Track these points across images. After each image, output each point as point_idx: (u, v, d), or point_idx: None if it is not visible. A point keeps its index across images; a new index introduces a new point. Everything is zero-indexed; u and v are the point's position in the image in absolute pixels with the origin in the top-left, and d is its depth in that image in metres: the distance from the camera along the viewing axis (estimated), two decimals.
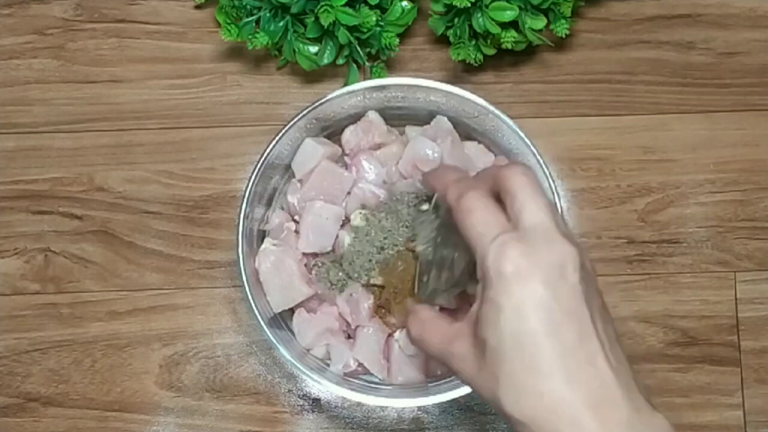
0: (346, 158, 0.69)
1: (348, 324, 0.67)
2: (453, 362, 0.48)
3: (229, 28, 0.69)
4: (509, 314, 0.44)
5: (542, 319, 0.43)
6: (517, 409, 0.43)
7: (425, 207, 0.63)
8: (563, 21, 0.69)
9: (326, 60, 0.72)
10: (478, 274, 0.46)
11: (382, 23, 0.71)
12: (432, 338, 0.50)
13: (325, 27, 0.68)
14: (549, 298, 0.44)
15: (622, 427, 0.42)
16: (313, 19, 0.69)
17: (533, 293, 0.44)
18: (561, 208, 0.64)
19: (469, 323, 0.48)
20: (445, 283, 0.57)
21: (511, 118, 0.65)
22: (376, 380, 0.67)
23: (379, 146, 0.68)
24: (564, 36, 0.70)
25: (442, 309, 0.62)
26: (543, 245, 0.45)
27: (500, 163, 0.68)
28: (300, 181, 0.68)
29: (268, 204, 0.69)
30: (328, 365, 0.67)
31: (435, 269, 0.57)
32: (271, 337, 0.63)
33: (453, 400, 0.64)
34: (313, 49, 0.72)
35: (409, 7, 0.71)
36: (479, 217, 0.47)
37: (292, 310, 0.67)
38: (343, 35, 0.69)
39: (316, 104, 0.65)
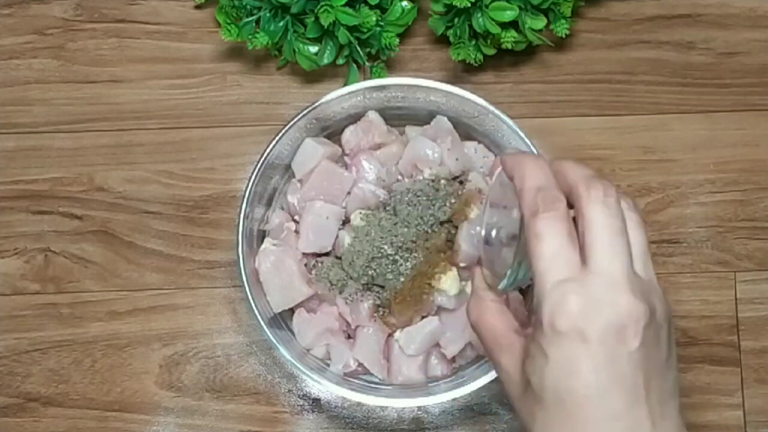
0: (346, 158, 0.69)
1: (348, 324, 0.67)
2: (497, 370, 0.47)
3: (229, 28, 0.69)
4: (555, 368, 0.42)
5: (589, 383, 0.41)
6: None
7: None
8: (563, 21, 0.69)
9: (326, 60, 0.72)
10: (535, 303, 0.43)
11: (382, 23, 0.71)
12: (485, 333, 0.48)
13: (325, 27, 0.68)
14: (600, 363, 0.41)
15: None
16: (313, 19, 0.69)
17: (584, 355, 0.41)
18: None
19: (521, 345, 0.46)
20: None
21: (511, 118, 0.65)
22: (376, 380, 0.67)
23: (379, 146, 0.68)
24: (564, 36, 0.70)
25: None
26: (607, 300, 0.41)
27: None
28: (300, 181, 0.68)
29: (268, 204, 0.69)
30: (328, 365, 0.67)
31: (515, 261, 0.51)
32: (271, 337, 0.63)
33: (453, 400, 0.64)
34: (313, 49, 0.72)
35: (409, 7, 0.71)
36: (548, 250, 0.42)
37: (292, 310, 0.67)
38: (343, 35, 0.69)
39: (316, 104, 0.65)
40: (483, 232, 0.54)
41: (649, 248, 0.45)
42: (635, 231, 0.44)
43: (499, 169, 0.49)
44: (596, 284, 0.41)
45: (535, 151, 0.64)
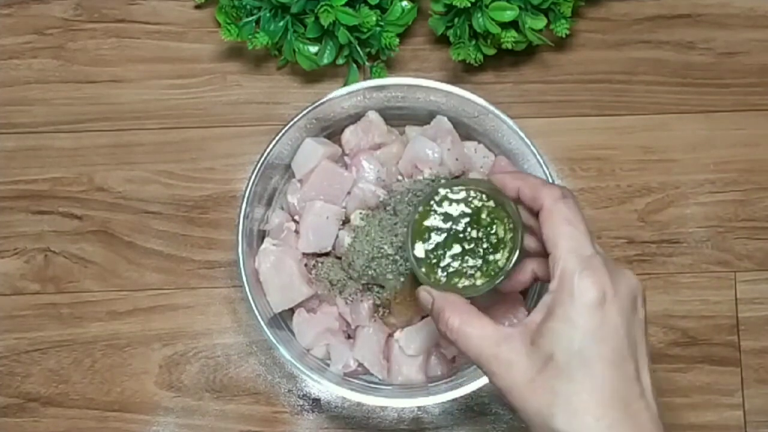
0: (346, 158, 0.69)
1: (348, 324, 0.67)
2: (494, 365, 0.47)
3: (229, 28, 0.69)
4: (586, 336, 0.45)
5: (614, 348, 0.45)
6: (569, 429, 0.44)
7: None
8: (563, 21, 0.69)
9: (326, 60, 0.72)
10: (552, 286, 0.47)
11: (382, 23, 0.71)
12: (473, 334, 0.48)
13: (325, 27, 0.68)
14: (623, 329, 0.45)
15: None
16: (313, 19, 0.69)
17: (612, 321, 0.45)
18: None
19: (524, 330, 0.47)
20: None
21: (511, 118, 0.65)
22: (376, 380, 0.67)
23: (379, 146, 0.68)
24: (564, 36, 0.70)
25: None
26: (620, 275, 0.46)
27: (500, 163, 0.68)
28: (300, 181, 0.68)
29: (268, 204, 0.69)
30: (328, 365, 0.67)
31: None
32: (271, 337, 0.63)
33: (453, 400, 0.64)
34: (313, 49, 0.72)
35: (409, 7, 0.71)
36: (575, 230, 0.47)
37: (292, 310, 0.67)
38: (343, 35, 0.69)
39: (316, 104, 0.65)
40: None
41: None
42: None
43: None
44: (608, 261, 0.47)
45: (535, 151, 0.64)
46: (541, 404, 0.45)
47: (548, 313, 0.46)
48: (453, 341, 0.49)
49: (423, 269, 0.54)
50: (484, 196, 0.54)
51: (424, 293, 0.52)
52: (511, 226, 0.53)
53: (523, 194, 0.51)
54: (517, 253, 0.52)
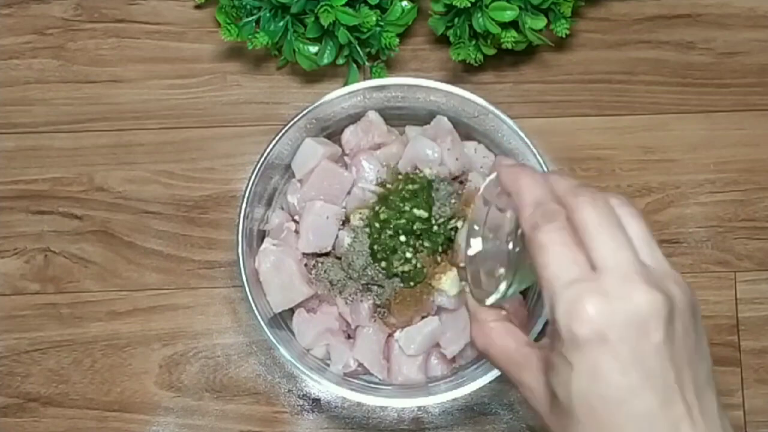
0: (346, 158, 0.69)
1: (348, 324, 0.67)
2: (520, 388, 0.45)
3: (229, 28, 0.69)
4: (581, 376, 0.40)
5: (618, 385, 0.39)
6: None
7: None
8: (563, 21, 0.69)
9: (326, 60, 0.72)
10: (549, 318, 0.41)
11: (382, 23, 0.70)
12: (499, 356, 0.46)
13: (325, 27, 0.68)
14: (627, 362, 0.39)
15: None
16: (313, 19, 0.69)
17: (609, 356, 0.39)
18: None
19: (540, 355, 0.44)
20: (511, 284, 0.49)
21: (511, 118, 0.65)
22: (376, 380, 0.67)
23: (379, 146, 0.68)
24: (564, 36, 0.70)
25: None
26: (621, 295, 0.39)
27: (503, 162, 0.67)
28: (300, 181, 0.68)
29: (268, 204, 0.69)
30: (328, 365, 0.67)
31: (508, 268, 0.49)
32: (271, 337, 0.63)
33: (453, 400, 0.64)
34: (313, 49, 0.72)
35: (409, 7, 0.71)
36: (553, 257, 0.41)
37: (292, 310, 0.67)
38: (343, 35, 0.69)
39: (316, 104, 0.65)
40: (467, 243, 0.51)
41: (653, 236, 0.43)
42: (632, 222, 0.43)
43: (494, 174, 0.49)
44: (607, 282, 0.40)
45: (535, 151, 0.64)
46: None
47: (550, 343, 0.42)
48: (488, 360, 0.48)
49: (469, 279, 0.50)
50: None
51: (465, 301, 0.50)
52: None
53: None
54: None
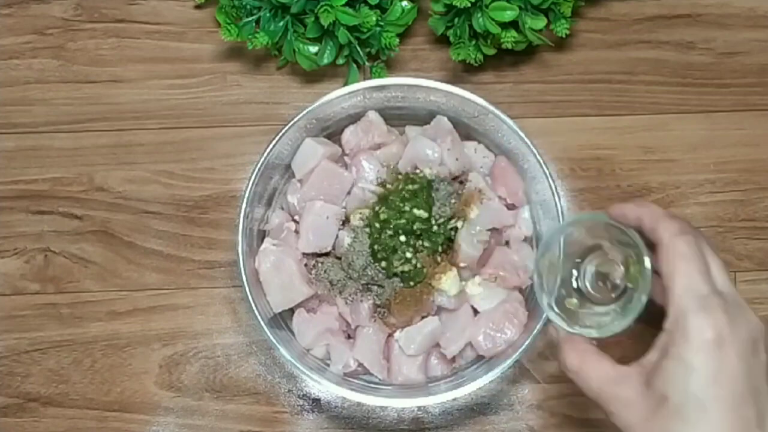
0: (346, 158, 0.69)
1: (348, 324, 0.67)
2: (612, 404, 0.48)
3: (229, 28, 0.69)
4: (703, 377, 0.44)
5: (732, 392, 0.44)
6: None
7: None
8: (563, 21, 0.69)
9: (326, 60, 0.72)
10: (667, 324, 0.46)
11: (382, 23, 0.70)
12: (591, 375, 0.49)
13: (325, 27, 0.68)
14: (741, 372, 0.45)
15: None
16: (313, 19, 0.69)
17: (729, 364, 0.45)
18: (561, 207, 0.64)
19: (641, 370, 0.48)
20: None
21: (511, 118, 0.65)
22: (376, 380, 0.67)
23: (379, 146, 0.68)
24: (564, 36, 0.70)
25: None
26: (739, 316, 0.46)
27: (500, 163, 0.68)
28: (300, 181, 0.68)
29: (268, 204, 0.69)
30: (328, 365, 0.67)
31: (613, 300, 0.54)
32: (271, 337, 0.63)
33: (453, 400, 0.64)
34: (313, 49, 0.72)
35: (409, 7, 0.71)
36: (691, 268, 0.46)
37: (292, 310, 0.67)
38: (343, 35, 0.69)
39: (316, 104, 0.65)
40: (559, 284, 0.54)
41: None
42: (716, 257, 0.49)
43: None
44: (729, 301, 0.46)
45: (535, 151, 0.64)
46: None
47: (663, 352, 0.46)
48: (573, 380, 0.50)
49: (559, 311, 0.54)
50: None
51: (552, 329, 0.54)
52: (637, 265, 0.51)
53: (644, 224, 0.50)
54: (645, 294, 0.49)
